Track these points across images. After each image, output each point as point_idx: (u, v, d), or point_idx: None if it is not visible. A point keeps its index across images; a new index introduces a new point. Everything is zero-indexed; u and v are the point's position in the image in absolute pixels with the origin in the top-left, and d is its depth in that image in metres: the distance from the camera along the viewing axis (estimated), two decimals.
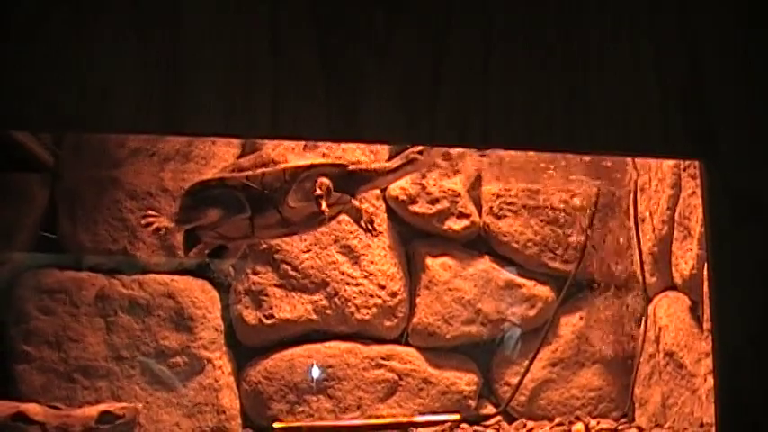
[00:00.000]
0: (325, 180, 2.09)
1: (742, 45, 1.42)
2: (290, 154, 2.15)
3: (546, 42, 1.39)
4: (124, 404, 2.33)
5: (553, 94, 1.37)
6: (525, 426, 2.55)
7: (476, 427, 2.52)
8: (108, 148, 2.54)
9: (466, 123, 1.35)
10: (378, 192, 2.60)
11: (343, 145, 2.41)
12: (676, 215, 2.25)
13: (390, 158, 2.28)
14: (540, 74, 1.37)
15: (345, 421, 2.54)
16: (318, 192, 2.06)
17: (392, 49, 1.33)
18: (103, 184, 2.58)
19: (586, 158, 2.53)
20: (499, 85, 1.36)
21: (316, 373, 2.57)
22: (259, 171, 2.09)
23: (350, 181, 2.14)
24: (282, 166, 2.09)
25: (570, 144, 1.42)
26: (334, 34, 1.32)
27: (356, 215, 2.32)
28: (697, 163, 1.48)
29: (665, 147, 1.42)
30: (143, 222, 2.16)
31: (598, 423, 2.50)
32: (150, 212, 2.20)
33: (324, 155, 2.25)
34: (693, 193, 2.13)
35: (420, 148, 2.08)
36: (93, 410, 2.23)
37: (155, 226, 2.12)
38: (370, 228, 2.37)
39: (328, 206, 2.12)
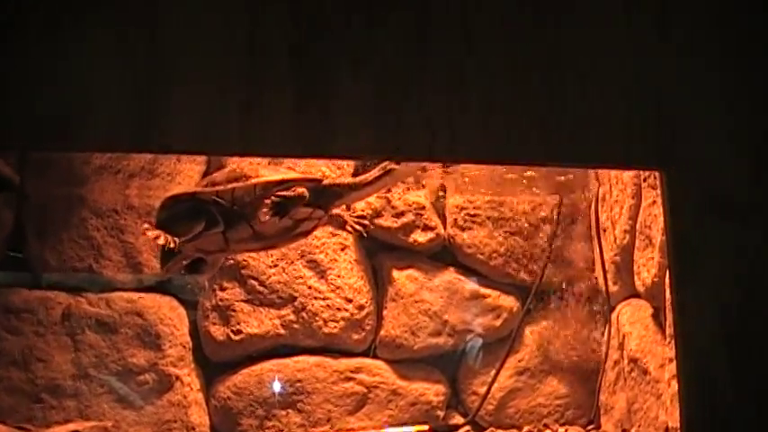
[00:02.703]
0: (300, 190, 2.08)
1: (700, 55, 1.44)
2: (264, 169, 2.14)
3: (518, 62, 1.40)
4: (93, 423, 2.32)
5: (519, 110, 1.39)
6: None
7: None
8: (73, 166, 2.53)
9: (434, 137, 1.36)
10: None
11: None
12: (637, 224, 2.26)
13: (357, 172, 2.29)
14: (507, 89, 1.39)
15: None
16: (276, 197, 2.05)
17: (364, 63, 1.35)
18: (69, 202, 2.56)
19: (549, 170, 2.55)
20: (467, 99, 1.37)
21: (285, 387, 2.56)
22: (230, 186, 2.08)
23: (324, 196, 2.14)
24: (254, 180, 2.09)
25: (535, 157, 1.44)
26: (306, 49, 1.33)
27: (339, 222, 2.32)
28: (657, 173, 1.50)
29: (627, 158, 1.44)
30: (151, 236, 2.09)
31: (566, 430, 2.53)
32: (146, 227, 2.14)
33: (292, 168, 2.23)
34: (654, 202, 2.14)
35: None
36: (61, 430, 2.21)
37: (162, 242, 2.07)
38: (360, 225, 2.36)
39: (300, 220, 2.13)
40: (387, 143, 1.37)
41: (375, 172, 2.13)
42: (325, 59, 1.34)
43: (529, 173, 2.58)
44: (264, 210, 2.07)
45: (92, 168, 2.54)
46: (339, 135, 1.33)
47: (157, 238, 2.05)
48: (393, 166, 2.11)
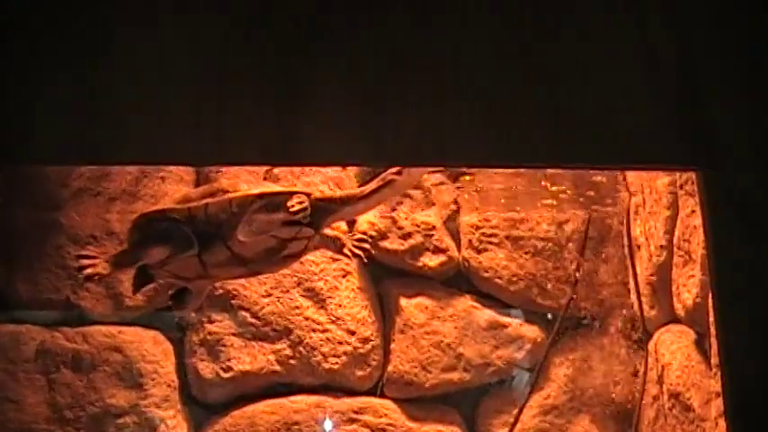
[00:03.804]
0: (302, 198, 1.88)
1: (739, 39, 1.32)
2: (243, 183, 1.97)
3: (517, 41, 1.29)
4: None
5: (527, 102, 1.27)
6: None
7: None
8: (49, 189, 2.42)
9: (424, 139, 1.25)
10: (344, 227, 2.40)
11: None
12: (675, 238, 2.10)
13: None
14: (510, 78, 1.27)
15: None
16: (296, 207, 1.85)
17: (340, 61, 1.25)
18: (44, 228, 2.44)
19: (574, 182, 2.41)
20: (463, 92, 1.26)
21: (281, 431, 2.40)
22: (203, 202, 1.91)
23: (314, 212, 1.93)
24: (229, 195, 1.90)
25: (550, 159, 1.31)
26: (279, 48, 1.25)
27: (335, 245, 2.10)
28: (694, 177, 1.39)
29: (658, 156, 1.31)
30: (76, 266, 1.95)
31: None
32: (85, 253, 1.98)
33: (276, 181, 2.10)
34: (693, 212, 1.98)
35: (397, 167, 1.88)
36: None
37: (88, 272, 1.90)
38: (360, 249, 2.14)
39: (286, 241, 1.93)
40: (373, 148, 1.26)
41: (372, 184, 1.94)
42: (302, 61, 1.25)
43: (555, 188, 2.41)
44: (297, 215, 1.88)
45: (69, 192, 2.42)
46: (317, 141, 1.24)
47: (82, 268, 1.89)
48: (393, 176, 1.91)
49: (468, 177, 2.37)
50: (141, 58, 1.25)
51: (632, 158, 1.33)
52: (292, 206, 1.86)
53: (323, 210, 1.94)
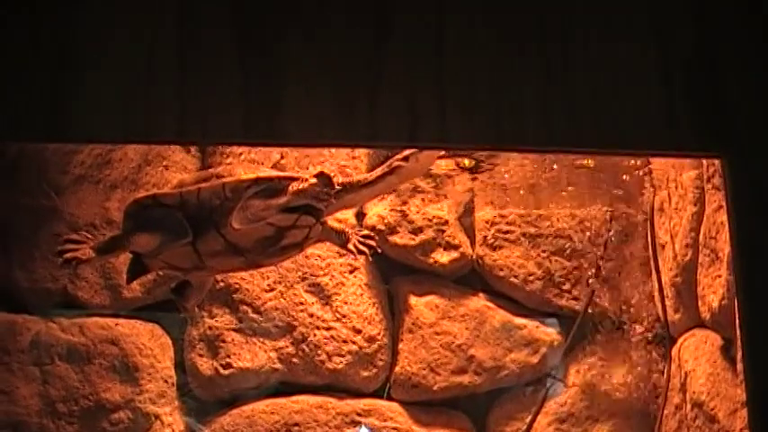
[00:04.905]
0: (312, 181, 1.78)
1: (758, 21, 1.26)
2: (240, 169, 1.89)
3: (516, 14, 1.24)
4: None
5: (526, 79, 1.23)
6: None
7: None
8: (48, 176, 2.36)
9: (416, 118, 1.20)
10: (353, 220, 2.35)
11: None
12: (701, 236, 1.99)
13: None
14: (508, 53, 1.23)
15: None
16: (298, 186, 1.77)
17: (323, 32, 1.22)
18: (42, 215, 2.39)
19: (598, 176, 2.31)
20: (458, 71, 1.22)
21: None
22: (195, 187, 1.84)
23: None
24: (223, 180, 1.83)
25: (550, 142, 1.25)
26: (253, 15, 1.22)
27: (340, 239, 2.00)
28: (720, 170, 1.36)
29: (670, 142, 1.25)
30: (57, 249, 1.89)
31: None
32: (72, 237, 1.92)
33: (277, 167, 2.02)
34: (720, 207, 1.87)
35: (405, 153, 1.80)
36: None
37: (67, 256, 1.85)
38: (367, 246, 2.03)
39: (284, 229, 1.84)
40: (359, 129, 1.21)
41: (378, 171, 1.86)
42: (278, 32, 1.22)
43: (574, 184, 2.32)
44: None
45: (69, 178, 2.37)
46: (294, 120, 1.20)
47: (63, 252, 1.85)
48: (400, 162, 1.82)
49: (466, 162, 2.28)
50: (121, 33, 1.21)
51: (649, 145, 1.28)
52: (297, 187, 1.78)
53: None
